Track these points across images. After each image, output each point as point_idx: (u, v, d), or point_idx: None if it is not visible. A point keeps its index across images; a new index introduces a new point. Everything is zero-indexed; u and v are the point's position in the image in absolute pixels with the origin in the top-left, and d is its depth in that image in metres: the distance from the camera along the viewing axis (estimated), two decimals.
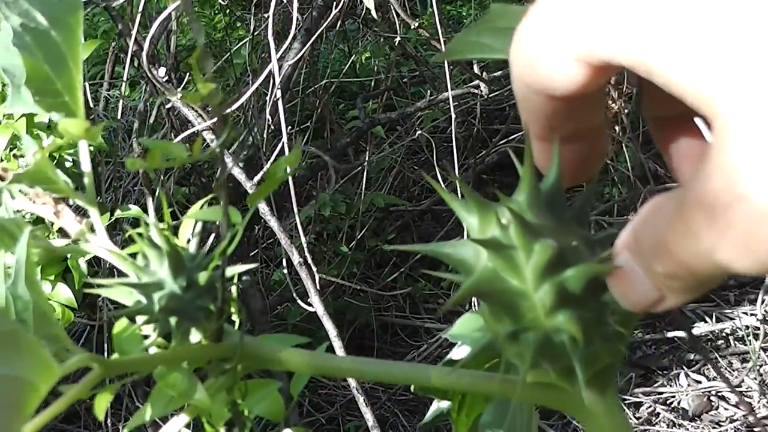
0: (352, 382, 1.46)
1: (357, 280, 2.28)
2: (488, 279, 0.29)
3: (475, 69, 2.10)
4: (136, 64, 1.93)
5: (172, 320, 0.36)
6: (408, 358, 2.21)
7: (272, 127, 1.77)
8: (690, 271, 0.25)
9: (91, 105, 1.89)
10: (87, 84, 1.75)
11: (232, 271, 0.37)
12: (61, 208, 0.38)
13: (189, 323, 0.36)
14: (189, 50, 2.75)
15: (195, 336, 0.37)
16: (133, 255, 0.38)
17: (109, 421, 1.87)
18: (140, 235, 0.36)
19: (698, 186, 0.23)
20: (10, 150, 1.36)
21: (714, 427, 2.02)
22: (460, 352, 0.45)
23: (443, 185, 1.97)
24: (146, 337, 0.38)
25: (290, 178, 1.50)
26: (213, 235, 0.38)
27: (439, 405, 0.46)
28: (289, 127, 2.24)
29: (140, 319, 0.37)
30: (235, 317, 0.40)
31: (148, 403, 0.39)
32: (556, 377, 0.32)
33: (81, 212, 0.39)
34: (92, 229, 0.38)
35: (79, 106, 0.38)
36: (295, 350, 0.36)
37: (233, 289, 0.38)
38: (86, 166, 0.39)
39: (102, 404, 0.38)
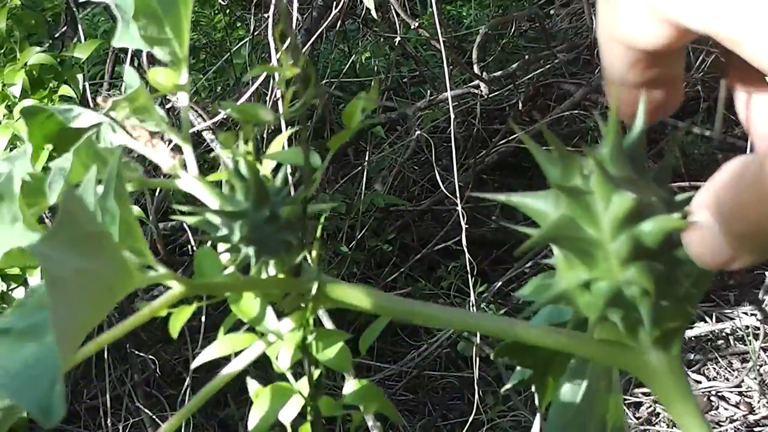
0: None
1: (357, 280, 2.28)
2: (566, 226, 0.30)
3: (475, 69, 2.10)
4: (136, 64, 1.93)
5: (253, 251, 0.36)
6: (408, 358, 2.21)
7: (272, 127, 1.77)
8: (766, 233, 0.26)
9: (91, 105, 1.89)
10: (87, 84, 1.75)
11: (317, 207, 0.38)
12: (155, 141, 0.39)
13: (269, 255, 0.36)
14: (189, 50, 2.74)
15: (272, 271, 0.37)
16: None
17: (108, 420, 1.87)
18: (227, 166, 0.37)
19: None
20: (11, 150, 1.36)
21: (714, 427, 2.02)
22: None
23: (443, 185, 1.97)
24: (225, 267, 0.38)
25: (290, 178, 1.50)
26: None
27: (522, 372, 0.47)
28: (289, 127, 2.24)
29: (221, 249, 0.37)
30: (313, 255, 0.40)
31: (222, 328, 0.40)
32: (624, 333, 0.32)
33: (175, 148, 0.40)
34: (184, 166, 0.39)
35: (185, 45, 0.39)
36: (372, 291, 0.36)
37: (318, 227, 0.39)
38: (183, 101, 0.39)
39: (178, 322, 0.38)
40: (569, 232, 0.30)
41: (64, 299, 0.24)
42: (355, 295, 0.36)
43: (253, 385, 0.51)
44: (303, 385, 0.49)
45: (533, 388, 0.46)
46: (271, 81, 1.59)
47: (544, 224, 0.30)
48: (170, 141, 0.39)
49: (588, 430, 0.40)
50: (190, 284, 0.33)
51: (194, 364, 0.46)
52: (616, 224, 0.29)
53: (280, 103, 1.54)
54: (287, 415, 0.49)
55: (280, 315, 0.39)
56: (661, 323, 0.31)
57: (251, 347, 0.39)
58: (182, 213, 0.37)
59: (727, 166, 0.27)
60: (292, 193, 0.37)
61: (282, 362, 0.48)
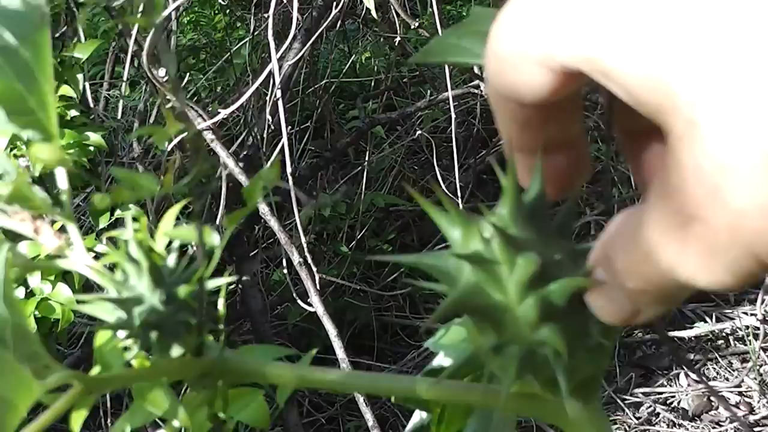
0: None
1: (357, 280, 2.28)
2: (471, 293, 0.29)
3: (475, 69, 2.10)
4: (136, 64, 1.93)
5: (153, 335, 0.35)
6: (408, 358, 2.21)
7: (272, 127, 1.77)
8: (657, 288, 0.25)
9: (91, 105, 1.89)
10: (87, 84, 1.75)
11: (214, 283, 0.37)
12: (39, 224, 0.38)
13: (169, 338, 0.36)
14: (189, 50, 2.75)
15: (177, 350, 0.37)
16: (113, 266, 0.37)
17: (109, 420, 1.87)
18: (118, 248, 0.36)
19: (653, 205, 0.23)
20: (11, 150, 1.36)
21: (714, 427, 2.02)
22: (442, 361, 0.45)
23: (443, 186, 1.96)
24: (128, 349, 0.37)
25: (290, 178, 1.50)
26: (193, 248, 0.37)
27: (420, 417, 0.46)
28: (289, 127, 2.24)
29: (122, 332, 0.36)
30: (219, 329, 0.39)
31: (127, 416, 0.39)
32: (540, 388, 0.32)
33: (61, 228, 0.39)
34: (70, 245, 0.38)
35: (53, 122, 0.37)
36: (278, 363, 0.36)
37: (220, 302, 0.38)
38: (63, 183, 0.38)
39: (77, 421, 0.37)
40: (475, 300, 0.29)
41: None
42: (263, 369, 0.36)
43: None
44: None
45: None
46: (271, 81, 1.59)
47: (450, 291, 0.30)
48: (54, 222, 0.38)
49: None
50: (88, 381, 0.33)
51: None
52: (522, 288, 0.28)
53: (280, 103, 1.54)
54: None
55: (185, 391, 0.38)
56: (575, 376, 0.30)
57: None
58: (80, 302, 0.36)
59: (613, 219, 0.26)
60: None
61: None
